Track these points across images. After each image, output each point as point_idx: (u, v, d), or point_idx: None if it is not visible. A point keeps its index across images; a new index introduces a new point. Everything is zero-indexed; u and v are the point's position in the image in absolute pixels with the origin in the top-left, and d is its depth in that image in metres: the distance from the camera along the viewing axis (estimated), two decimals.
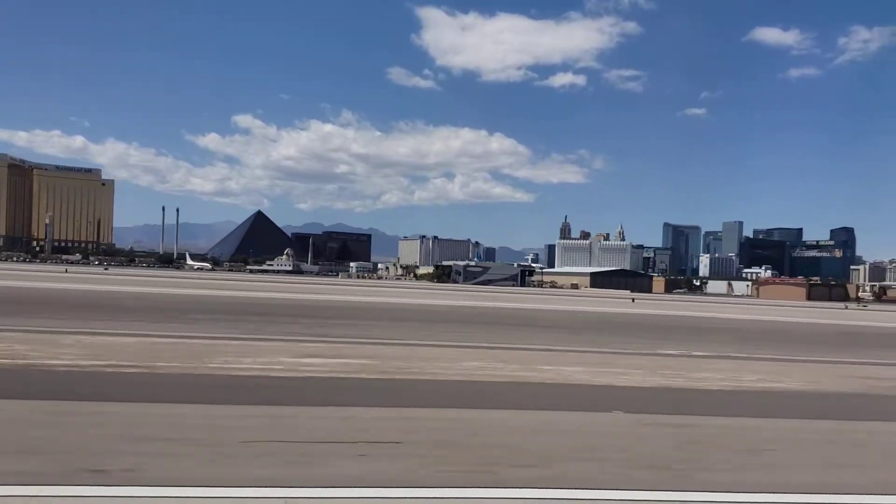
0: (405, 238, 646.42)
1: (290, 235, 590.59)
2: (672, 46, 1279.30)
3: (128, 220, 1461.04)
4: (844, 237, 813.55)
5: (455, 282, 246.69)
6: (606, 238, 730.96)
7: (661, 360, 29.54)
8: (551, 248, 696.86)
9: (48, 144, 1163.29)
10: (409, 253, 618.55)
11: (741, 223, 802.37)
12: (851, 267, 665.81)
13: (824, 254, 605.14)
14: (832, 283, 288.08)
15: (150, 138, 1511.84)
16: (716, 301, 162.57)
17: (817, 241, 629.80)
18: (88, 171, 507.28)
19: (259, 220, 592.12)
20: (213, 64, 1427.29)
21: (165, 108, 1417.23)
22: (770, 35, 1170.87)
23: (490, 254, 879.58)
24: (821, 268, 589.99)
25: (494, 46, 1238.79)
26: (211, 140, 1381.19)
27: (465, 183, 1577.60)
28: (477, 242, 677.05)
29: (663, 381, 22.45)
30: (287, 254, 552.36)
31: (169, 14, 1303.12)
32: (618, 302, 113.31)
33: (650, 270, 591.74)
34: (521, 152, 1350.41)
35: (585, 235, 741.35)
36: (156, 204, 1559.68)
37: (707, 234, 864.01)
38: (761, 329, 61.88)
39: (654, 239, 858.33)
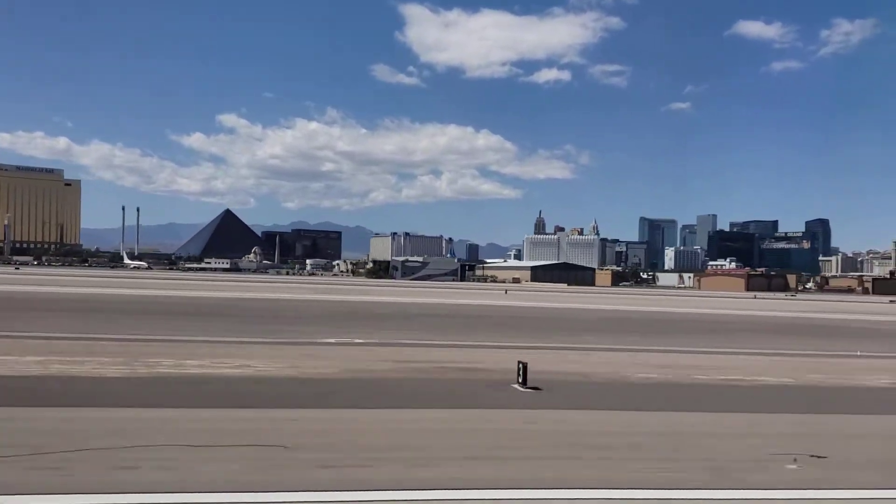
0: (377, 235, 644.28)
1: (259, 234, 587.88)
2: (656, 41, 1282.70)
3: (114, 221, 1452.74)
4: (820, 229, 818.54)
5: (392, 277, 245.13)
6: (580, 233, 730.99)
7: (263, 348, 28.54)
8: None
9: (31, 146, 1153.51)
10: (382, 250, 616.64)
11: (714, 216, 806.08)
12: (822, 258, 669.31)
13: (793, 245, 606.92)
14: (772, 273, 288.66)
15: (135, 139, 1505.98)
16: (609, 293, 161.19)
17: (786, 233, 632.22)
18: (50, 171, 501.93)
19: (227, 218, 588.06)
20: (196, 64, 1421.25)
21: (150, 109, 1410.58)
22: (753, 28, 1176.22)
23: (474, 250, 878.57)
24: (791, 259, 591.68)
25: (478, 43, 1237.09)
26: (196, 140, 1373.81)
27: (453, 180, 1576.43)
28: (450, 238, 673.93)
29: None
30: (255, 252, 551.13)
31: (152, 15, 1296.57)
32: (491, 295, 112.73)
33: (623, 264, 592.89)
34: (508, 149, 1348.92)
35: (560, 230, 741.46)
36: (143, 204, 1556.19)
37: (684, 227, 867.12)
38: (557, 318, 60.84)
39: (634, 233, 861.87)
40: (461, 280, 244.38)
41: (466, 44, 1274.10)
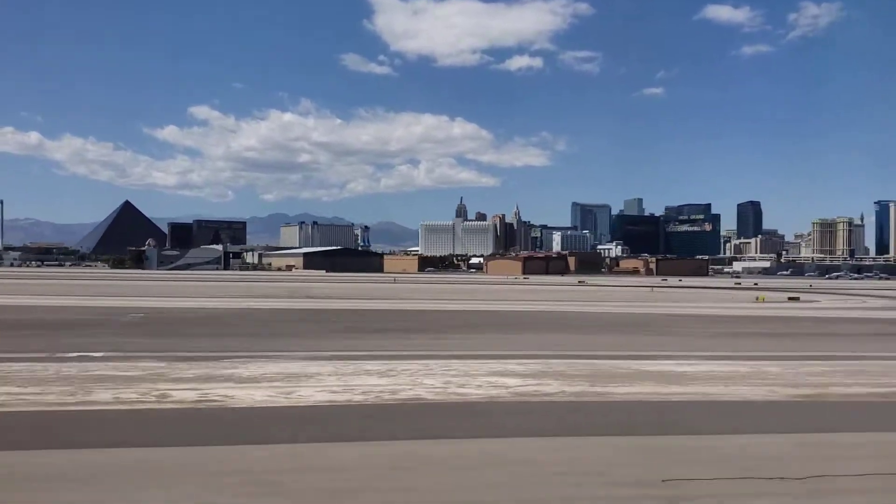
0: (287, 224, 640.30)
1: (161, 226, 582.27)
2: (625, 26, 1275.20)
3: (88, 216, 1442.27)
4: (751, 210, 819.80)
5: (146, 268, 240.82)
6: (502, 219, 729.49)
7: None
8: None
9: (2, 141, 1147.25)
10: (291, 239, 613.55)
11: (640, 200, 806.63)
12: (744, 240, 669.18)
13: (696, 228, 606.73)
14: (553, 256, 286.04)
15: (108, 133, 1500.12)
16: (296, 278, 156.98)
17: (689, 216, 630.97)
18: None
19: (126, 211, 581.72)
20: (165, 56, 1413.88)
21: (121, 102, 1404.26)
22: (722, 13, 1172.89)
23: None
24: (699, 242, 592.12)
25: (447, 30, 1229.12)
26: (169, 133, 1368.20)
27: (431, 169, 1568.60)
28: (366, 227, 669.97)
29: None
30: (149, 244, 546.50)
31: (118, 8, 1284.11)
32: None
33: (537, 250, 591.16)
34: (484, 137, 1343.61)
35: (482, 217, 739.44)
36: (119, 199, 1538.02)
37: (620, 212, 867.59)
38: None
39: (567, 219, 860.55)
40: (225, 269, 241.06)
41: (436, 31, 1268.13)
